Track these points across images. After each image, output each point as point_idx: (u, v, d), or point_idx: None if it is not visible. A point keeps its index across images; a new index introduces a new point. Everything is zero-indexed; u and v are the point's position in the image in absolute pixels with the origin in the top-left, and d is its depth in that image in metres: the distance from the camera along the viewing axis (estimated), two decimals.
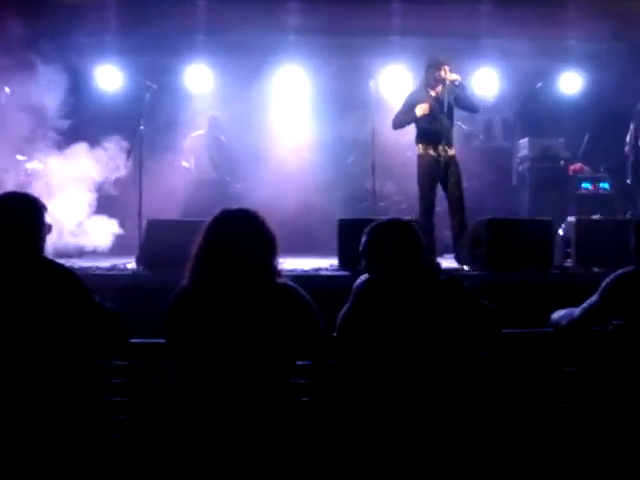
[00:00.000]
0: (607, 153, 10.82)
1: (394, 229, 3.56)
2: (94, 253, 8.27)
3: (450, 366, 3.30)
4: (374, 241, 3.51)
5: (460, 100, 7.78)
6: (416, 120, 7.76)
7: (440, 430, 3.22)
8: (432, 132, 7.65)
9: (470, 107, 8.03)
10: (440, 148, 7.65)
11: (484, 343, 3.51)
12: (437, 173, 7.64)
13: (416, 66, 10.31)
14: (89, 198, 8.63)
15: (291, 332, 3.17)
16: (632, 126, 9.05)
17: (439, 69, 7.71)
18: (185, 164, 10.64)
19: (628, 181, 9.29)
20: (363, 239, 3.56)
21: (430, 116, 7.64)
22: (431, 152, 7.66)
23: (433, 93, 7.74)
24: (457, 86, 7.69)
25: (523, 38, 10.05)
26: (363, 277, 3.52)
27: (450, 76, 7.66)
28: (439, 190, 7.83)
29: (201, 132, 10.77)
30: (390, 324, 3.31)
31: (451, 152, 7.75)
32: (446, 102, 7.59)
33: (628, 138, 9.04)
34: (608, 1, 9.13)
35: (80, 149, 8.66)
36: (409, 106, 7.86)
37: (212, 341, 3.08)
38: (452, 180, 7.71)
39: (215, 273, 3.14)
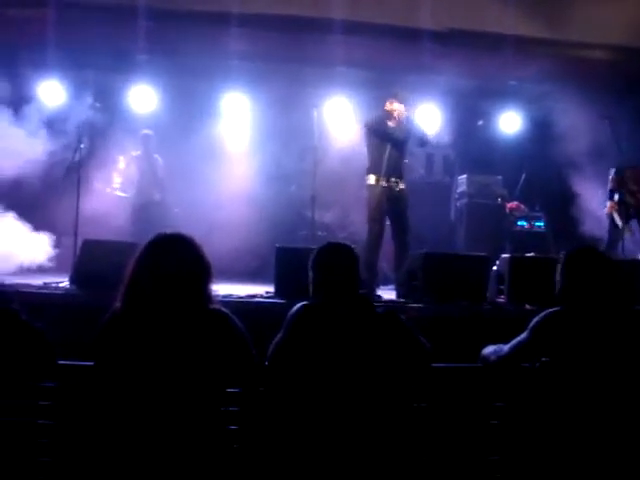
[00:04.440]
0: (543, 192, 11.07)
1: (345, 253, 3.63)
2: (28, 270, 8.12)
3: (380, 398, 3.31)
4: (325, 262, 3.58)
5: (410, 133, 7.87)
6: (387, 132, 7.75)
7: (370, 461, 3.22)
8: (384, 163, 7.63)
9: (418, 141, 8.06)
10: (392, 180, 7.69)
11: (414, 377, 3.53)
12: (387, 204, 7.68)
13: (360, 99, 10.47)
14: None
15: (222, 358, 3.15)
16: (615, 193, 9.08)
17: (387, 101, 7.81)
18: (119, 193, 10.36)
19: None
20: (312, 259, 3.63)
21: (387, 143, 7.66)
22: (382, 183, 7.67)
23: (390, 124, 7.80)
24: (403, 120, 7.76)
25: (465, 77, 10.25)
26: (298, 305, 3.52)
27: (395, 108, 7.74)
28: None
29: (137, 153, 10.64)
30: (324, 354, 3.31)
31: (402, 185, 7.81)
32: (395, 134, 7.64)
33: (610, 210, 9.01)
34: (547, 45, 9.34)
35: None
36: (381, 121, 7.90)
37: (141, 365, 3.05)
38: (401, 212, 7.78)
39: (147, 297, 3.11)
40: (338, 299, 3.48)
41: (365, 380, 3.30)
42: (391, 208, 7.71)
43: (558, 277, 3.75)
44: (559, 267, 3.76)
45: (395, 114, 7.74)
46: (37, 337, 3.27)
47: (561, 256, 3.87)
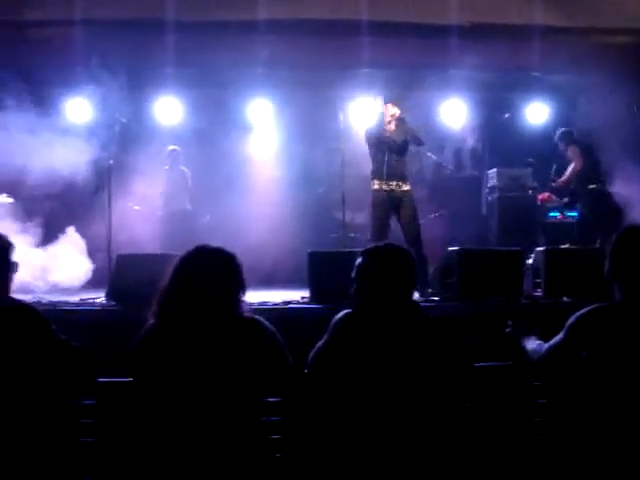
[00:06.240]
0: None
1: (395, 255, 3.36)
2: (67, 289, 8.20)
3: (427, 406, 3.19)
4: (370, 265, 3.32)
5: (408, 135, 7.86)
6: (383, 141, 7.80)
7: (416, 469, 3.16)
8: (384, 168, 7.70)
9: (414, 141, 8.01)
10: (393, 183, 7.72)
11: (458, 380, 3.35)
12: (389, 208, 7.71)
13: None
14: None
15: (257, 367, 3.14)
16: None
17: (385, 106, 7.85)
18: (136, 207, 10.31)
19: None
20: (357, 261, 3.38)
21: (383, 151, 7.71)
22: (384, 187, 7.74)
23: (389, 128, 7.82)
24: (399, 121, 7.76)
25: (490, 70, 10.18)
26: (342, 312, 3.35)
27: (390, 111, 7.77)
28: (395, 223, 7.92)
29: (167, 167, 10.76)
30: (369, 363, 3.18)
31: (405, 187, 7.83)
32: (393, 138, 7.66)
33: None
34: (570, 33, 9.27)
35: None
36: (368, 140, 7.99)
37: (179, 380, 3.05)
38: (406, 214, 7.78)
39: (182, 310, 3.12)
40: (387, 307, 3.26)
41: (412, 388, 3.17)
42: (397, 211, 7.75)
43: (606, 263, 3.46)
44: (608, 252, 3.47)
45: (392, 118, 7.76)
46: (77, 356, 3.29)
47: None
